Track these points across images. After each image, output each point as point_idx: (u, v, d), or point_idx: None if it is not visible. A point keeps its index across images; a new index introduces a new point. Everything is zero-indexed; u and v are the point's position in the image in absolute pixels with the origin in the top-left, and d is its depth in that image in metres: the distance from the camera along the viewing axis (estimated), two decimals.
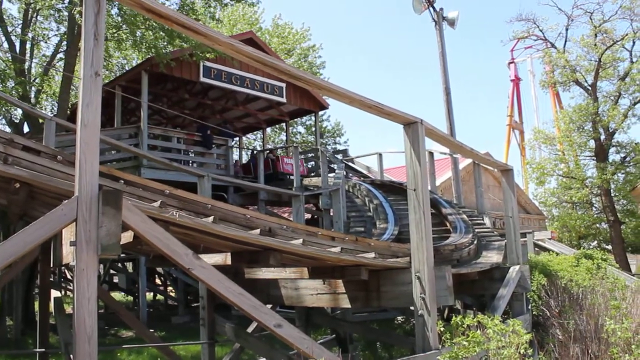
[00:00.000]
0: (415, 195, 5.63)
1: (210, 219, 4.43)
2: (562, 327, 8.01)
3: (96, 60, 3.62)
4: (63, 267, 16.03)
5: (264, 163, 17.35)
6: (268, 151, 19.55)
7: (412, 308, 5.62)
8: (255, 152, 19.96)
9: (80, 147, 3.45)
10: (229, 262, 5.28)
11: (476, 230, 11.26)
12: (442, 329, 4.53)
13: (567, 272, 10.77)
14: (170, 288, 21.29)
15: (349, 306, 6.35)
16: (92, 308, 3.33)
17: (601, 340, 6.78)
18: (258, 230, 4.71)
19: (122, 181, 4.64)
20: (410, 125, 5.79)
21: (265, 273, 6.71)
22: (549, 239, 19.20)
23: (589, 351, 6.77)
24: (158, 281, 22.57)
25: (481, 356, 4.40)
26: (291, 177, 17.01)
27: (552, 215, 31.05)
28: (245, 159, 23.02)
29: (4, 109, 16.67)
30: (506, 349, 4.14)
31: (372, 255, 5.79)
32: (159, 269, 20.03)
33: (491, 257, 9.43)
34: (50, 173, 4.21)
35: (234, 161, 19.61)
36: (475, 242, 10.04)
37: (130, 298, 21.33)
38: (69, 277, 20.30)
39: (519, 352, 4.17)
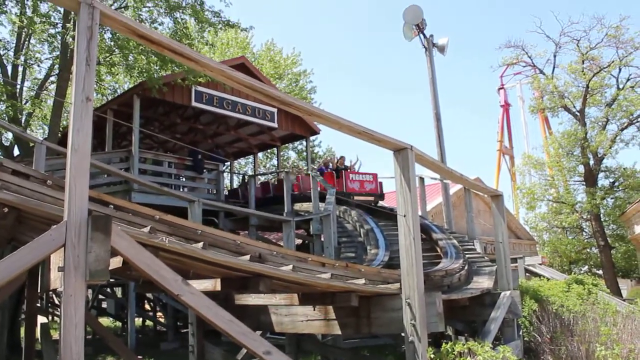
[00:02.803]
0: (405, 221, 5.64)
1: (200, 244, 4.42)
2: (554, 353, 7.99)
3: (88, 85, 3.64)
4: (51, 293, 15.85)
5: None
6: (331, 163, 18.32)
7: (402, 334, 5.59)
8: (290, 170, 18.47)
9: (70, 172, 3.44)
10: (218, 288, 5.24)
11: (467, 255, 11.26)
12: (432, 355, 4.50)
13: (558, 298, 10.78)
14: (159, 314, 21.05)
15: (340, 332, 6.30)
16: (79, 334, 3.29)
17: None
18: (248, 257, 4.69)
19: (112, 206, 4.62)
20: (400, 151, 5.82)
21: (256, 299, 6.66)
22: (540, 264, 19.25)
23: None
24: (147, 307, 22.32)
25: None
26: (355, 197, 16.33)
27: (542, 240, 31.17)
28: (236, 184, 23.01)
29: None
30: None
31: (362, 281, 5.77)
32: (149, 295, 19.82)
33: (482, 283, 9.42)
34: (40, 197, 4.19)
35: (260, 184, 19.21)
36: (466, 267, 10.04)
37: (119, 324, 21.05)
38: (56, 302, 20.02)
39: None
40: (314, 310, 6.40)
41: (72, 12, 13.79)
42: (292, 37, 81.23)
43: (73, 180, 3.45)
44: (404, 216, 5.64)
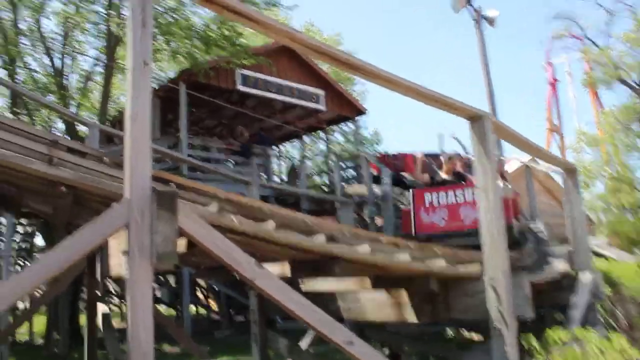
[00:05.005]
0: (485, 195, 5.15)
1: (272, 225, 4.02)
2: (635, 340, 7.37)
3: (144, 48, 3.24)
4: (106, 280, 15.89)
5: None
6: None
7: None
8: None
9: (131, 145, 3.07)
10: (287, 272, 4.83)
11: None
12: (535, 344, 4.02)
13: (633, 281, 10.09)
14: (211, 302, 21.04)
15: (416, 320, 5.80)
16: (148, 323, 2.95)
17: None
18: (323, 238, 4.27)
19: (173, 185, 4.27)
20: (477, 120, 5.32)
21: (322, 284, 6.24)
22: (608, 245, 18.32)
23: None
24: (199, 295, 22.35)
25: None
26: None
27: (599, 221, 29.92)
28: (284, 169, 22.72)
29: (45, 123, 16.72)
30: None
31: (443, 263, 5.29)
32: (201, 283, 19.80)
33: (557, 265, 8.80)
34: (97, 175, 3.87)
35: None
36: (537, 248, 9.43)
37: (173, 312, 21.13)
38: (111, 290, 20.20)
39: None
40: (386, 295, 5.95)
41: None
42: (331, 18, 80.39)
43: (134, 154, 3.07)
44: (485, 190, 5.15)
